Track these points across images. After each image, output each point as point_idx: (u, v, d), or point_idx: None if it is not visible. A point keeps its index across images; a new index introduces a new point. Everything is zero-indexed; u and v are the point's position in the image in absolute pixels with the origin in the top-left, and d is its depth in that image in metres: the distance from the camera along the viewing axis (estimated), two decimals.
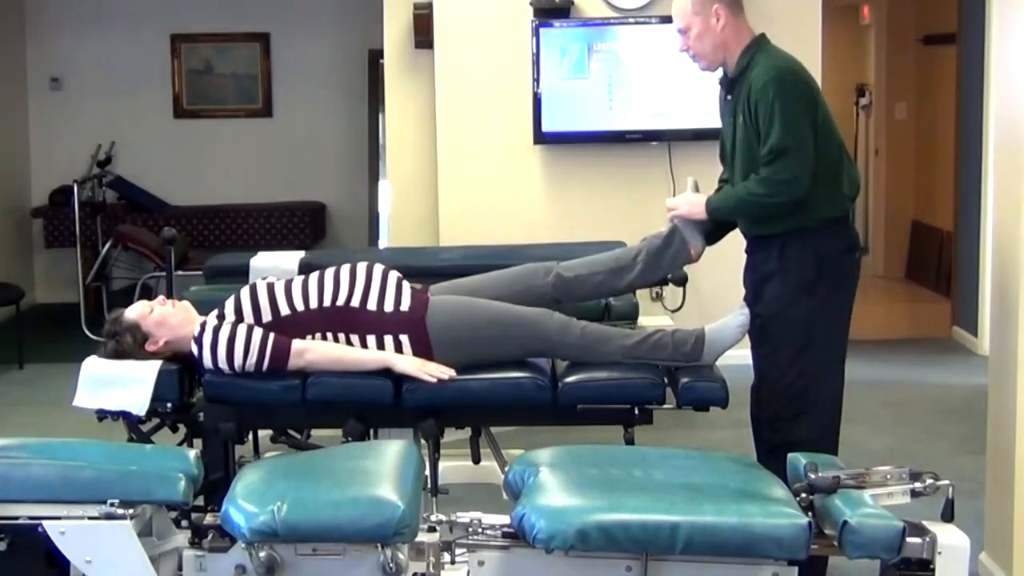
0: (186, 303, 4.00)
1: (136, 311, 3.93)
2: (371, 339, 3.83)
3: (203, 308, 3.97)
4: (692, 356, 3.83)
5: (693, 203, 3.89)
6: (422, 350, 3.82)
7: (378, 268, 3.97)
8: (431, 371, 3.78)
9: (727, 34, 3.74)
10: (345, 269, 3.95)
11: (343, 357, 3.81)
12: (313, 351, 3.79)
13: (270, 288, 3.91)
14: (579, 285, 4.02)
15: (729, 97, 3.82)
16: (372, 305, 3.86)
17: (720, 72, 3.87)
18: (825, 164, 3.68)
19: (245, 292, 3.92)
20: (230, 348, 3.76)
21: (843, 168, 3.77)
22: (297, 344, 3.77)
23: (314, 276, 3.95)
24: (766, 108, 3.63)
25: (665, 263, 4.02)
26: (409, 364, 3.79)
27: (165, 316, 3.90)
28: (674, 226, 3.95)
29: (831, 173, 3.71)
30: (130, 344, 3.87)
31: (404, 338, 3.83)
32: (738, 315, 3.80)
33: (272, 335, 3.77)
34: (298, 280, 3.95)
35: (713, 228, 3.95)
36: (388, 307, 3.86)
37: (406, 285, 3.95)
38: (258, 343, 3.74)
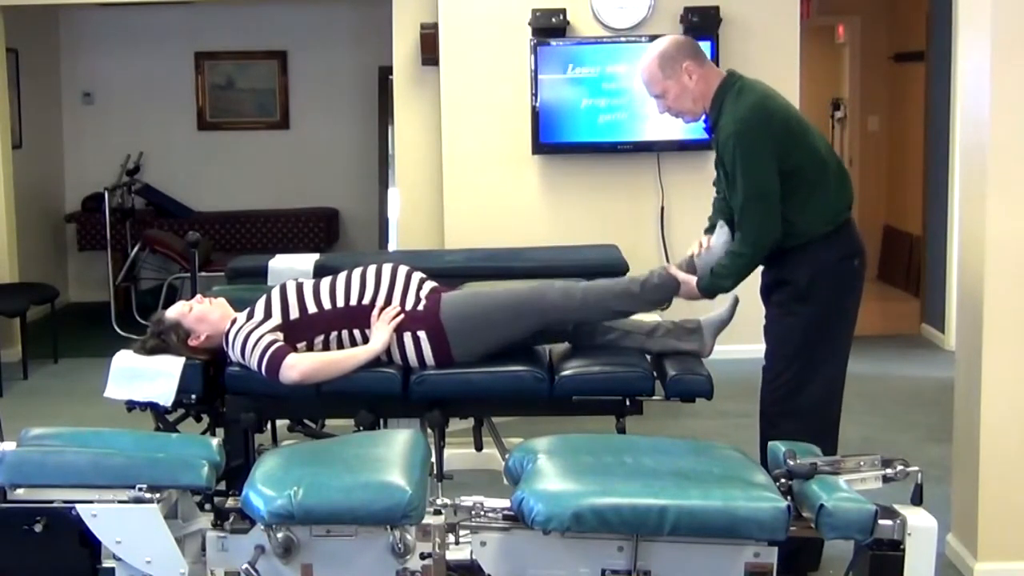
0: (222, 300, 3.99)
1: (177, 310, 3.93)
2: (391, 335, 3.81)
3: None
4: (669, 297, 3.85)
5: (690, 294, 3.82)
6: (439, 345, 3.80)
7: (402, 269, 3.94)
8: (388, 320, 3.78)
9: (701, 86, 3.68)
10: (371, 270, 3.92)
11: (335, 360, 3.76)
12: (300, 364, 3.70)
13: (299, 288, 3.90)
14: (595, 332, 3.99)
15: (712, 136, 3.77)
16: (394, 303, 3.83)
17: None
18: (808, 185, 3.64)
19: (276, 291, 3.90)
20: (243, 348, 3.76)
21: (829, 183, 3.69)
22: (288, 360, 3.70)
23: (341, 276, 3.92)
24: (729, 161, 3.61)
25: (676, 348, 3.96)
26: (383, 335, 3.78)
27: (204, 313, 3.90)
28: (700, 326, 3.94)
29: (817, 192, 3.66)
30: (174, 341, 3.86)
31: (421, 334, 3.81)
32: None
33: (275, 345, 3.71)
34: (326, 280, 3.93)
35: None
36: (408, 305, 3.84)
37: (426, 284, 3.93)
38: (261, 349, 3.71)
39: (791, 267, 3.69)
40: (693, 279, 3.81)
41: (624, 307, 3.89)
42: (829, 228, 3.69)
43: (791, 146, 3.63)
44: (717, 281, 3.75)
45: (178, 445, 3.02)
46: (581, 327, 3.98)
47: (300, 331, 3.81)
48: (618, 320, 4.00)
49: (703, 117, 3.76)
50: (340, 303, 3.84)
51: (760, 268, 3.84)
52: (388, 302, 3.84)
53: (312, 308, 3.84)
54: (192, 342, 3.87)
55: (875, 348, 7.45)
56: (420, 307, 3.83)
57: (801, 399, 3.70)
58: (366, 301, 3.84)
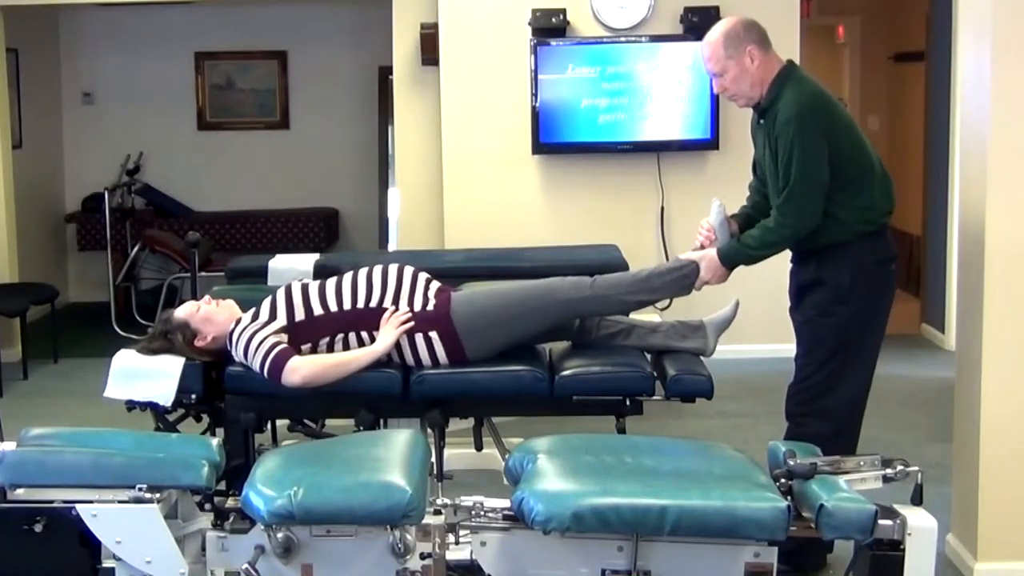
0: (230, 301, 3.99)
1: (185, 310, 3.92)
2: (403, 338, 3.80)
3: None
4: (686, 284, 3.81)
5: (712, 269, 3.80)
6: (451, 344, 3.80)
7: (408, 270, 3.94)
8: (396, 324, 3.77)
9: (761, 71, 3.68)
10: (377, 271, 3.91)
11: (338, 362, 3.75)
12: (303, 368, 3.69)
13: (304, 289, 3.89)
14: (597, 330, 3.99)
15: (762, 121, 3.76)
16: (403, 306, 3.83)
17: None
18: (855, 181, 3.65)
19: (281, 292, 3.89)
20: (246, 349, 3.75)
21: (874, 183, 3.70)
22: (290, 363, 3.69)
23: (347, 278, 3.90)
24: (785, 144, 3.60)
25: (679, 347, 3.97)
26: (388, 337, 3.77)
27: (211, 314, 3.90)
28: (703, 324, 3.94)
29: (864, 190, 3.67)
30: (180, 341, 3.86)
31: (433, 334, 3.80)
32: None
33: (278, 348, 3.70)
34: (331, 282, 3.92)
35: (744, 222, 3.88)
36: (417, 307, 3.83)
37: (433, 284, 3.92)
38: (264, 351, 3.71)
39: (831, 266, 3.68)
40: (712, 251, 3.80)
41: (635, 296, 3.86)
42: (871, 228, 3.70)
43: (844, 139, 3.66)
44: (744, 249, 3.75)
45: (178, 445, 3.02)
46: (583, 325, 3.97)
47: (305, 333, 3.80)
48: (620, 319, 4.00)
49: (757, 102, 3.74)
50: (347, 305, 3.83)
51: (791, 268, 3.84)
52: (396, 304, 3.83)
53: (318, 310, 3.83)
54: (198, 343, 3.87)
55: None
56: (430, 307, 3.83)
57: (830, 400, 3.71)
58: (373, 303, 3.82)
